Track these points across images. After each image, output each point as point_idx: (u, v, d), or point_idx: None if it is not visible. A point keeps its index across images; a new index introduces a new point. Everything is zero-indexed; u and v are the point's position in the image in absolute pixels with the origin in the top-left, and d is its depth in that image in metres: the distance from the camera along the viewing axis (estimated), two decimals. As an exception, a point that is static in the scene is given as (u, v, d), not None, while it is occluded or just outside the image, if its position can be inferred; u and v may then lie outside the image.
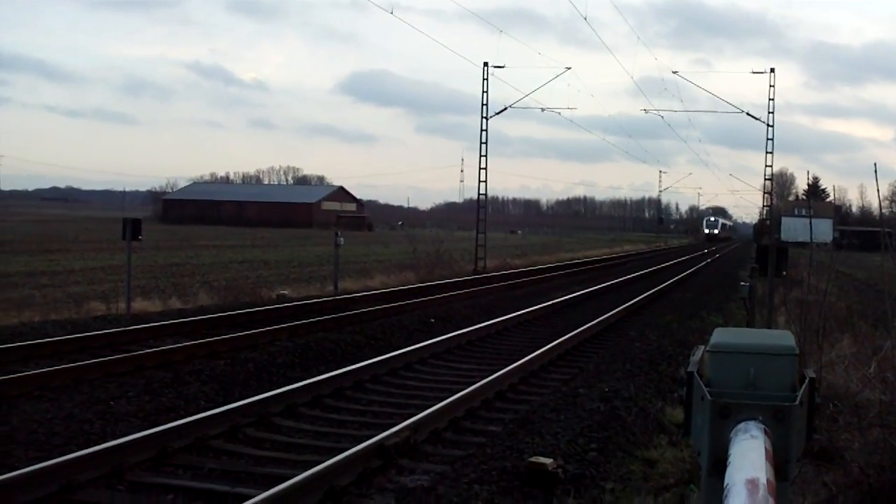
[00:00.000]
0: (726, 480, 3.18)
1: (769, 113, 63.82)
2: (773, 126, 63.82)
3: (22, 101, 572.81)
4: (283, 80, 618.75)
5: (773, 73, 63.42)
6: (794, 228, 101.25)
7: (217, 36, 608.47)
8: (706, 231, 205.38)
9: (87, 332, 20.86)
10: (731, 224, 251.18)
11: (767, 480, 3.06)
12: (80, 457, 10.44)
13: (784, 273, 23.74)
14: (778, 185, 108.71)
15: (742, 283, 21.57)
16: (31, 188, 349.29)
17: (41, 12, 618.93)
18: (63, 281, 37.93)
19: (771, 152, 64.85)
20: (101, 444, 11.26)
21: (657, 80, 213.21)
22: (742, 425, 3.67)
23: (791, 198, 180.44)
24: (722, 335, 4.24)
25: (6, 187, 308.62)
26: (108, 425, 12.96)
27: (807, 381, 4.01)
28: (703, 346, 4.66)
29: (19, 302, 26.84)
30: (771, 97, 63.72)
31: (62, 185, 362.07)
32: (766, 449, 3.40)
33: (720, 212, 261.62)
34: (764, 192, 71.95)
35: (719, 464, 3.62)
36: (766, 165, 65.92)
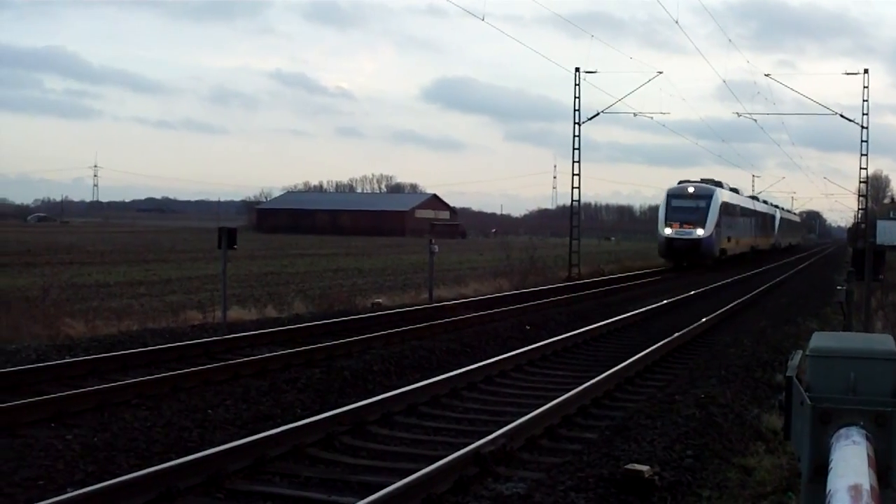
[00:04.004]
0: (828, 486, 3.15)
1: (863, 114, 62.61)
2: (867, 128, 62.67)
3: (113, 114, 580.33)
4: (368, 88, 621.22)
5: (866, 74, 62.13)
6: (889, 231, 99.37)
7: (297, 45, 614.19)
8: (666, 233, 68.80)
9: (184, 340, 21.11)
10: (781, 216, 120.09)
11: (871, 486, 3.02)
12: (179, 464, 10.57)
13: (881, 277, 23.40)
14: (872, 187, 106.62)
15: (838, 287, 21.31)
16: (127, 199, 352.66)
17: (125, 25, 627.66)
18: (160, 290, 38.44)
19: (865, 154, 63.63)
20: (199, 451, 11.40)
21: (743, 83, 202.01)
22: (843, 430, 3.64)
23: (886, 200, 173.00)
24: (821, 339, 4.20)
25: (104, 199, 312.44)
26: (206, 433, 13.10)
27: (909, 386, 3.96)
28: (801, 351, 4.61)
29: (118, 311, 27.22)
30: (865, 98, 62.58)
31: (158, 196, 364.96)
32: (868, 455, 3.36)
33: (794, 209, 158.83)
34: (859, 195, 70.77)
35: (820, 469, 3.59)
36: (861, 168, 64.76)
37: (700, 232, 66.80)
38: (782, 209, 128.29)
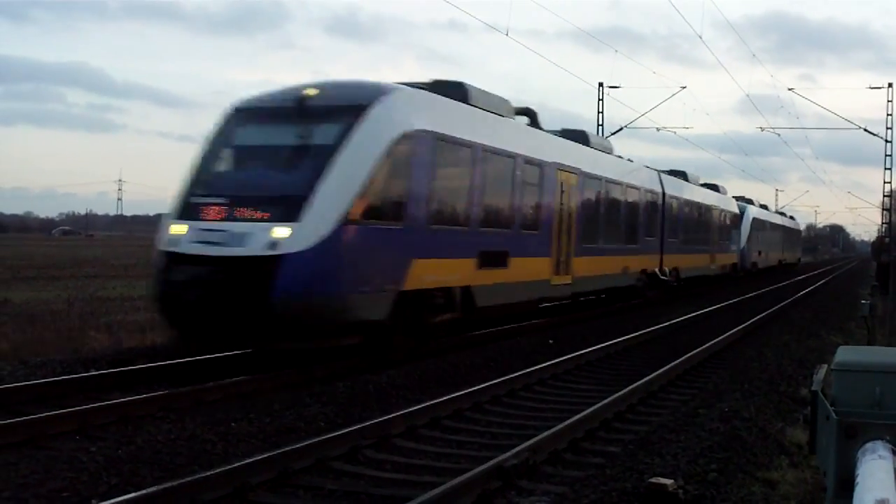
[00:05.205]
0: (854, 501, 3.14)
1: (887, 128, 62.60)
2: (891, 142, 62.57)
3: (137, 128, 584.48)
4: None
5: (890, 88, 62.23)
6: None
7: (319, 59, 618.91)
8: (167, 240, 18.68)
9: (207, 354, 21.11)
10: (755, 216, 73.11)
11: (897, 501, 3.01)
12: (203, 477, 10.58)
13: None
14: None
15: (863, 302, 21.24)
16: (151, 213, 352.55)
17: (148, 40, 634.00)
18: (184, 304, 38.37)
19: (889, 168, 63.43)
20: (223, 464, 11.42)
21: (765, 97, 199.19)
22: (869, 445, 3.62)
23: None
24: (847, 353, 4.19)
25: (128, 212, 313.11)
26: (229, 446, 13.10)
27: (935, 400, 3.93)
28: (826, 365, 4.60)
29: (142, 325, 27.23)
30: (889, 112, 62.51)
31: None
32: (894, 469, 3.35)
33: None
34: (882, 209, 70.71)
35: (846, 484, 3.57)
36: (885, 182, 64.59)
37: (279, 233, 17.79)
38: (765, 208, 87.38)
